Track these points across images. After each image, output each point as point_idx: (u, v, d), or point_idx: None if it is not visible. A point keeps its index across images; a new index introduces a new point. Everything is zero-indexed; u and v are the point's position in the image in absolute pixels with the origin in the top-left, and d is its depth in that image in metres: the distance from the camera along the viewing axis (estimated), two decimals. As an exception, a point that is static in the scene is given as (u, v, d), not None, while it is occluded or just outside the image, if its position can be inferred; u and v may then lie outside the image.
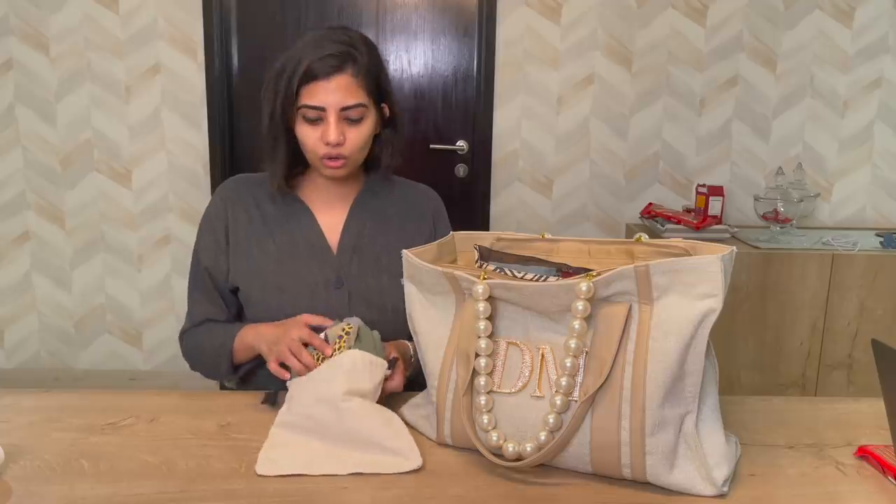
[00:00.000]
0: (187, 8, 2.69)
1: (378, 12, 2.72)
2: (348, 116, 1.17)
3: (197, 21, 2.70)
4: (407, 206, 1.34)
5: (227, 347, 1.22)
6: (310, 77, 1.15)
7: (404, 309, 1.24)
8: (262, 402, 1.08)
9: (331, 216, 1.29)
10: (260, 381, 1.24)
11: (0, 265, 2.86)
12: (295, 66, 1.16)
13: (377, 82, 1.21)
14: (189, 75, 2.74)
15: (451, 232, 1.07)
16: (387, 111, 1.26)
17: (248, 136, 2.77)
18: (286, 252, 1.26)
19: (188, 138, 2.78)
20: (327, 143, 1.17)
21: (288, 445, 0.95)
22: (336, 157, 1.19)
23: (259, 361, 1.21)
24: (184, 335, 1.32)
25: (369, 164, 1.31)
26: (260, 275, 1.25)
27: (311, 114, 1.16)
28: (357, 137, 1.19)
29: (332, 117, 1.16)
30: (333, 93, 1.15)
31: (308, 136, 1.18)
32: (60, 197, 2.81)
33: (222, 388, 1.36)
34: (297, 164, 1.26)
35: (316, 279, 1.24)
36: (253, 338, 1.18)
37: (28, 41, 2.70)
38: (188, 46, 2.72)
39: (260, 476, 0.88)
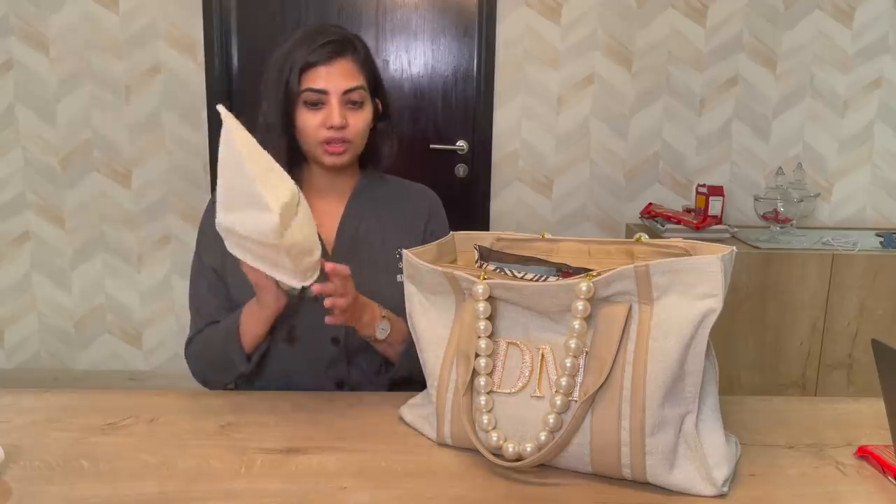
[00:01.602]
0: (187, 8, 2.69)
1: (378, 12, 2.72)
2: (350, 99, 1.19)
3: (197, 21, 2.70)
4: (402, 204, 1.34)
5: (234, 330, 1.16)
6: (311, 64, 1.17)
7: (400, 306, 1.24)
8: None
9: (325, 212, 1.29)
10: (267, 378, 1.24)
11: (0, 265, 2.86)
12: (294, 56, 1.17)
13: (373, 75, 1.24)
14: (189, 75, 2.74)
15: (451, 232, 1.07)
16: (380, 106, 1.28)
17: (248, 136, 2.77)
18: None
19: (188, 138, 2.78)
20: (330, 127, 1.17)
21: None
22: (339, 142, 1.19)
23: (269, 344, 1.19)
24: (188, 344, 1.27)
25: (364, 159, 1.31)
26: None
27: (313, 97, 1.17)
28: (359, 122, 1.21)
29: (335, 100, 1.17)
30: (336, 77, 1.17)
31: (309, 122, 1.19)
32: (60, 197, 2.81)
33: (223, 387, 1.35)
34: (293, 160, 1.25)
35: None
36: (250, 308, 1.14)
37: (28, 41, 2.70)
38: (188, 46, 2.72)
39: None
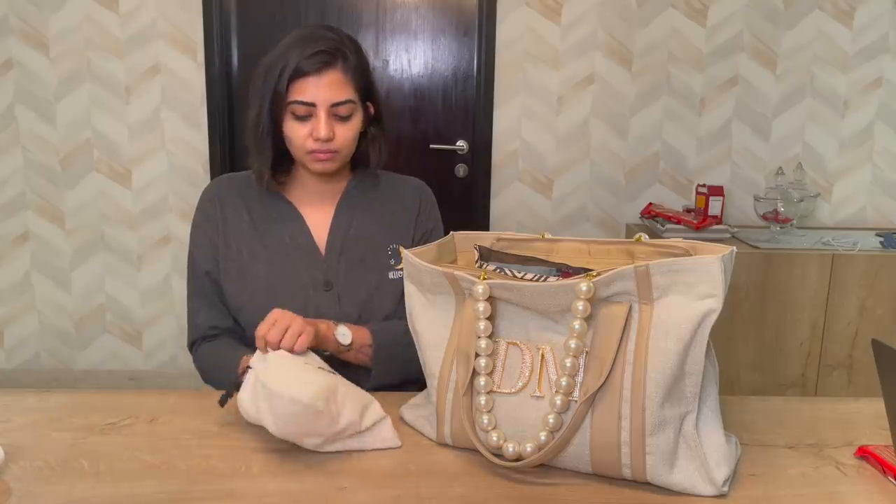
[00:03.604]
0: (187, 8, 2.69)
1: (378, 12, 2.72)
2: (337, 113, 1.18)
3: (197, 21, 2.70)
4: (393, 201, 1.34)
5: (233, 374, 1.18)
6: (300, 73, 1.16)
7: (391, 307, 1.24)
8: (220, 403, 1.02)
9: (318, 214, 1.29)
10: None
11: (0, 265, 2.86)
12: (284, 62, 1.16)
13: (364, 81, 1.23)
14: (189, 75, 2.74)
15: (452, 232, 1.07)
16: (372, 109, 1.27)
17: (248, 136, 2.77)
18: (275, 253, 1.25)
19: (188, 138, 2.78)
20: (317, 139, 1.17)
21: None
22: (325, 152, 1.19)
23: None
24: (194, 349, 1.30)
25: (356, 161, 1.31)
26: (249, 277, 1.24)
27: (301, 110, 1.17)
28: (346, 134, 1.20)
29: (323, 113, 1.17)
30: (324, 89, 1.16)
31: (296, 132, 1.18)
32: (60, 197, 2.81)
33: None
34: (282, 161, 1.26)
35: (304, 280, 1.24)
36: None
37: (28, 41, 2.70)
38: (188, 46, 2.72)
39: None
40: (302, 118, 1.18)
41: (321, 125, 1.16)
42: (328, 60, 1.16)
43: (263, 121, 1.20)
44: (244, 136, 1.26)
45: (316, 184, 1.29)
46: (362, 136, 1.27)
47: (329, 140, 1.18)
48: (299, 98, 1.16)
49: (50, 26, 2.70)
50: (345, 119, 1.19)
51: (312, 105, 1.16)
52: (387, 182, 1.36)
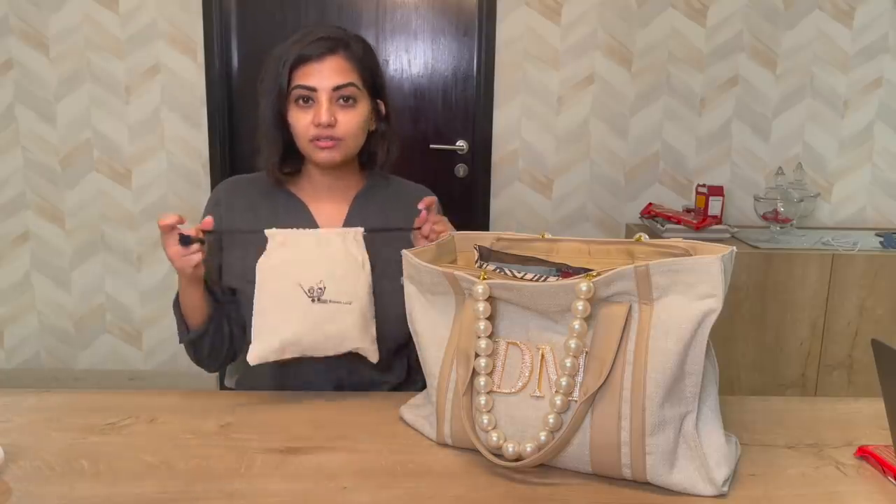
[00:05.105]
0: (187, 8, 2.69)
1: (378, 12, 2.72)
2: (341, 95, 1.18)
3: (197, 21, 2.70)
4: (405, 208, 1.33)
5: (177, 304, 1.24)
6: (301, 60, 1.16)
7: (402, 313, 1.24)
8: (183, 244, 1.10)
9: (328, 211, 1.28)
10: (265, 381, 1.24)
11: (0, 265, 2.86)
12: (289, 51, 1.17)
13: (371, 74, 1.22)
14: (189, 75, 2.74)
15: (451, 232, 1.07)
16: (382, 108, 1.27)
17: (248, 136, 2.77)
18: None
19: (188, 138, 2.78)
20: (318, 125, 1.17)
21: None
22: (327, 139, 1.18)
23: (208, 327, 1.21)
24: None
25: (366, 160, 1.31)
26: (251, 271, 1.24)
27: (303, 93, 1.17)
28: (349, 120, 1.19)
29: (324, 97, 1.16)
30: (325, 73, 1.16)
31: (299, 120, 1.18)
32: (60, 197, 2.81)
33: (222, 387, 1.35)
34: (291, 158, 1.25)
35: None
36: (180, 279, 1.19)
37: (28, 41, 2.70)
38: (188, 46, 2.72)
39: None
40: (304, 105, 1.18)
41: (322, 110, 1.16)
42: (331, 47, 1.17)
43: (270, 114, 1.20)
44: (256, 135, 1.26)
45: (325, 180, 1.28)
46: (371, 134, 1.27)
47: (330, 126, 1.17)
48: (300, 83, 1.17)
49: (50, 26, 2.70)
50: (348, 104, 1.19)
51: (314, 90, 1.16)
52: (397, 188, 1.35)
